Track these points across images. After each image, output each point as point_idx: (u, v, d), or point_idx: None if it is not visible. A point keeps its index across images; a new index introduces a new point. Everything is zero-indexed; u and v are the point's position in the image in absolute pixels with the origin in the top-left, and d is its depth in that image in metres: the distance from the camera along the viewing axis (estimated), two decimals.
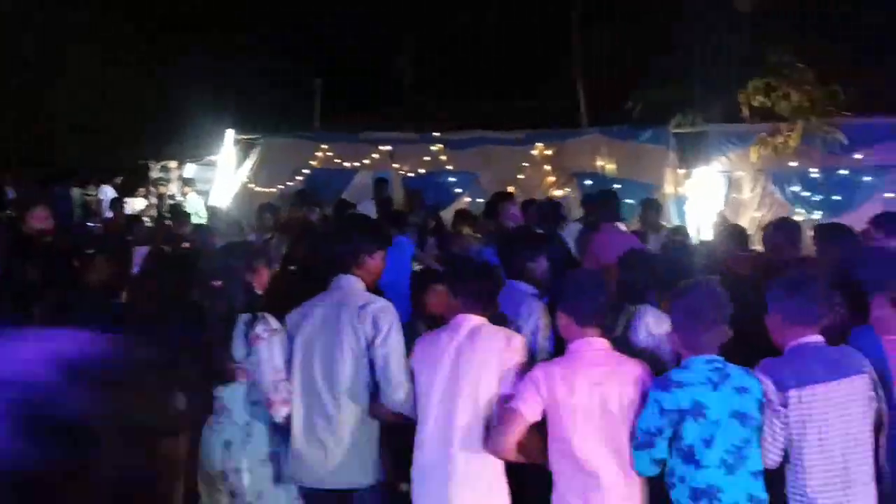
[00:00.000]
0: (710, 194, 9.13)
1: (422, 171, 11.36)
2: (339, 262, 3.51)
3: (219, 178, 12.67)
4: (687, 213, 9.23)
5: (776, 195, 8.93)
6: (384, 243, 3.73)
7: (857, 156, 8.56)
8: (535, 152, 10.50)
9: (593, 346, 3.03)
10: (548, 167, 10.38)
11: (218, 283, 3.49)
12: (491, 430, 3.06)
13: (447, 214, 9.64)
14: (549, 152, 10.40)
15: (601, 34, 11.10)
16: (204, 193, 13.28)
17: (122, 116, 14.36)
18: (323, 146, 12.12)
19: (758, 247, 6.65)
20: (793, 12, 9.44)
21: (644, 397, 2.93)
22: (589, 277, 3.23)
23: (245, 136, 12.66)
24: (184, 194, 14.01)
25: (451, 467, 3.11)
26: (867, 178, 8.53)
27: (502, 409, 3.05)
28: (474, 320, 3.25)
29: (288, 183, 11.99)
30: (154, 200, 14.61)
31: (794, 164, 8.80)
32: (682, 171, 9.48)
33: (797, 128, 8.50)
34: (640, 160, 9.67)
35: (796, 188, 8.85)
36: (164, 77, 14.85)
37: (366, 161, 11.79)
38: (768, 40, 8.90)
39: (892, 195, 8.45)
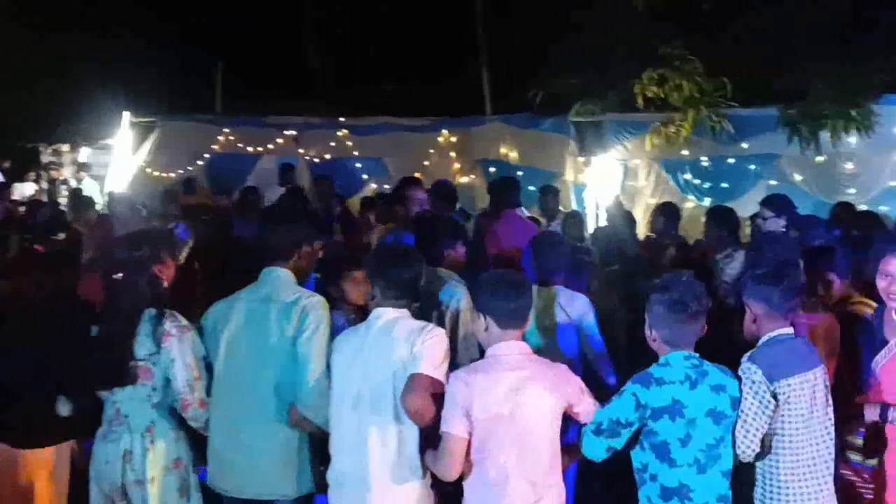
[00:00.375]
0: (608, 182, 9.45)
1: (328, 156, 11.30)
2: (270, 254, 3.29)
3: (115, 163, 12.22)
4: (586, 199, 9.54)
5: (669, 182, 9.32)
6: (320, 233, 3.59)
7: (744, 145, 9.02)
8: (441, 139, 10.61)
9: (514, 350, 2.90)
10: (454, 154, 10.51)
11: (119, 275, 3.23)
12: (433, 457, 2.87)
13: (355, 201, 9.69)
14: (454, 139, 10.52)
15: (504, 23, 11.25)
16: (100, 178, 12.80)
17: (8, 96, 13.56)
18: (225, 130, 11.87)
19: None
20: (684, 7, 9.80)
21: (563, 401, 2.89)
22: (510, 278, 3.02)
23: (142, 119, 12.24)
24: (79, 179, 13.46)
25: (369, 475, 2.92)
26: (752, 167, 9.01)
27: (437, 435, 2.85)
28: (391, 313, 3.02)
29: (188, 168, 11.71)
30: (45, 186, 13.96)
31: (685, 152, 9.20)
32: (581, 159, 9.77)
33: (688, 118, 8.86)
34: (542, 148, 9.91)
35: (688, 176, 9.25)
36: (55, 56, 14.08)
37: (270, 146, 11.63)
38: (661, 33, 9.21)
39: (775, 182, 8.97)
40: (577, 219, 7.58)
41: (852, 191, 8.62)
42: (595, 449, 2.92)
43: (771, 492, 3.01)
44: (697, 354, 2.96)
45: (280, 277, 3.25)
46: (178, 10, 14.60)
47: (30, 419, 3.41)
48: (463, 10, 11.66)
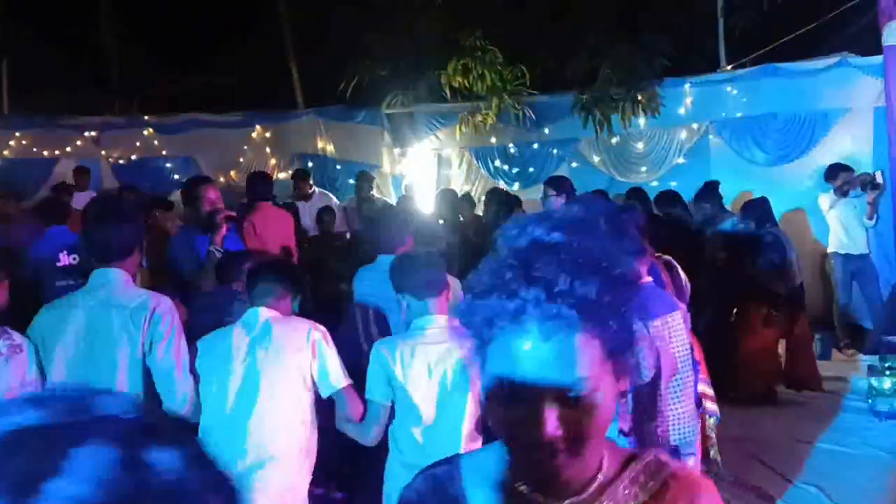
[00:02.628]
0: (424, 171, 9.57)
1: (133, 157, 10.63)
2: (100, 254, 2.97)
3: None
4: (404, 189, 9.62)
5: (480, 170, 9.59)
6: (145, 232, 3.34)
7: (546, 130, 9.43)
8: (254, 135, 10.28)
9: (433, 324, 2.94)
10: (269, 149, 10.22)
11: None
12: (356, 424, 2.95)
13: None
14: (268, 134, 10.23)
15: (311, 14, 10.99)
16: None
17: None
18: (16, 134, 10.84)
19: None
20: None
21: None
22: (419, 254, 3.15)
23: None
24: None
25: (256, 482, 2.83)
26: (555, 151, 9.45)
27: (355, 400, 2.96)
28: (267, 313, 3.03)
29: None
30: None
31: (493, 140, 9.48)
32: (397, 150, 9.82)
33: (492, 106, 9.11)
34: (357, 140, 9.87)
35: (497, 162, 9.57)
36: None
37: (68, 149, 10.76)
38: (463, 24, 9.37)
39: (576, 164, 9.46)
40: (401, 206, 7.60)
41: (644, 169, 9.27)
42: None
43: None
44: None
45: (117, 279, 2.93)
46: None
47: None
48: (269, 3, 11.26)
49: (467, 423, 2.87)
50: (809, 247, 8.64)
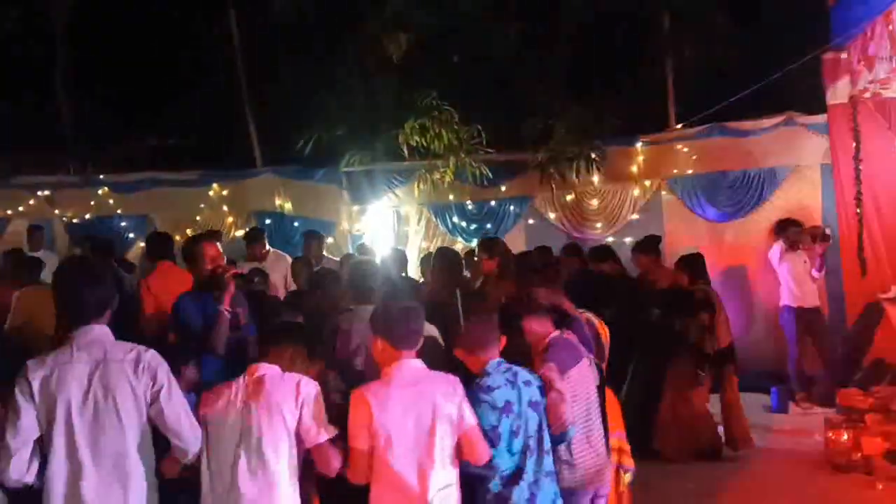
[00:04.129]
0: (382, 228, 9.47)
1: (88, 216, 10.35)
2: (83, 312, 3.00)
3: None
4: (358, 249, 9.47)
5: (439, 226, 9.51)
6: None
7: (503, 188, 9.42)
8: (212, 193, 10.08)
9: (408, 367, 3.16)
10: (226, 207, 10.03)
11: None
12: (342, 469, 3.14)
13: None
14: (225, 192, 10.04)
15: (269, 74, 10.98)
16: None
17: None
18: None
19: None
20: (435, 57, 10.09)
21: (458, 408, 3.12)
22: (402, 305, 3.33)
23: None
24: None
25: None
26: (512, 208, 9.43)
27: (337, 449, 3.13)
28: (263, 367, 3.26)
29: None
30: None
31: (451, 197, 9.44)
32: (356, 208, 9.71)
33: (450, 164, 9.10)
34: (316, 198, 9.73)
35: (455, 219, 9.50)
36: None
37: (20, 208, 10.44)
38: (418, 84, 9.41)
39: (532, 221, 9.45)
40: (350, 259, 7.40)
41: (599, 225, 9.29)
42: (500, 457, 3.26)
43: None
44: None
45: (104, 335, 3.01)
46: None
47: None
48: (225, 61, 11.21)
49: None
50: (762, 301, 8.68)
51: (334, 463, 3.14)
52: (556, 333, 3.80)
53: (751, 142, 8.78)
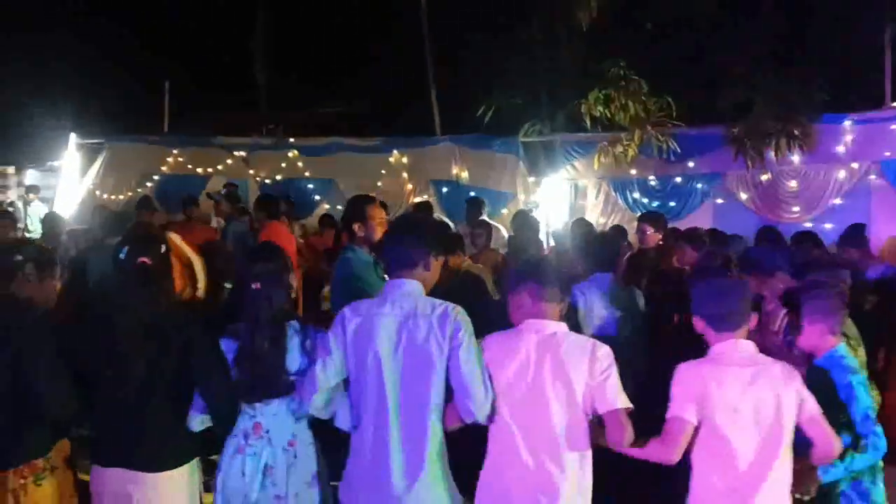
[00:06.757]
0: (558, 201, 9.10)
1: (279, 177, 10.77)
2: (397, 265, 2.98)
3: (62, 185, 11.55)
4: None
5: (618, 202, 9.01)
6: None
7: (690, 164, 8.75)
8: (392, 160, 10.14)
9: (739, 348, 2.85)
10: (406, 175, 10.06)
11: (256, 285, 3.03)
12: (655, 441, 2.81)
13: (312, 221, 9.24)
14: (405, 160, 10.07)
15: (452, 42, 10.82)
16: (48, 201, 12.07)
17: None
18: (174, 151, 11.27)
19: None
20: (627, 26, 9.51)
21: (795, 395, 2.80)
22: (722, 283, 3.02)
23: (89, 141, 11.57)
24: (27, 202, 12.65)
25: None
26: (699, 185, 8.74)
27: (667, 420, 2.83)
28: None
29: (137, 189, 11.07)
30: None
31: (633, 172, 8.90)
32: (532, 179, 9.40)
33: (634, 137, 8.56)
34: (492, 168, 9.51)
35: (636, 195, 8.94)
36: None
37: (220, 167, 11.05)
38: (605, 53, 8.91)
39: (721, 201, 8.72)
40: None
41: (796, 209, 8.42)
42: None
43: None
44: None
45: (416, 290, 2.94)
46: (125, 30, 13.84)
47: (159, 439, 2.98)
48: (411, 30, 11.19)
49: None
50: None
51: (628, 433, 2.79)
52: None
53: None
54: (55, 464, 3.04)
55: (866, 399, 3.03)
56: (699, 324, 2.92)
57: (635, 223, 8.43)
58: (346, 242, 4.27)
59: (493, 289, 5.02)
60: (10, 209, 10.63)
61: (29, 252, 3.14)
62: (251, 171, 10.80)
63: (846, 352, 3.16)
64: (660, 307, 4.57)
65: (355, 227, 4.19)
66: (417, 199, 9.66)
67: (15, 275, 3.05)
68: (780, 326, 3.87)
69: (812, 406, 2.81)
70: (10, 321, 2.93)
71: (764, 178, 8.50)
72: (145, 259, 3.00)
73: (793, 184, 8.44)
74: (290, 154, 10.61)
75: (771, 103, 8.22)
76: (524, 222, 6.29)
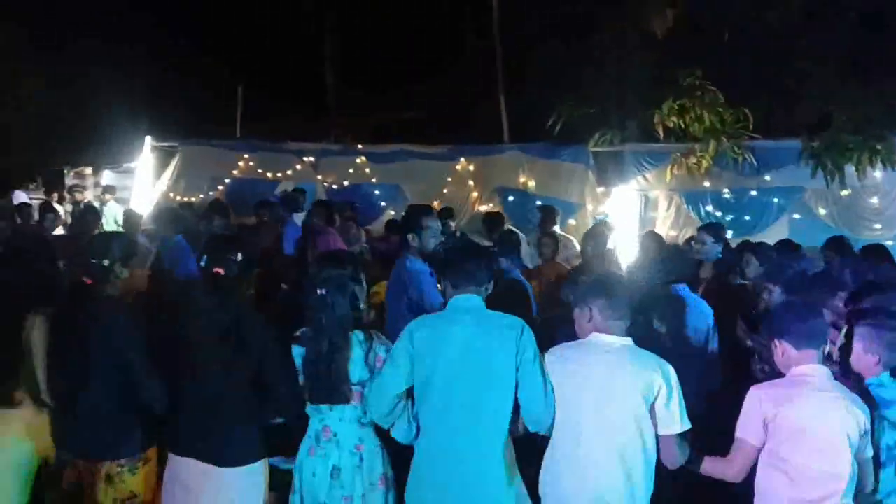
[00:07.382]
0: (627, 213, 8.95)
1: (346, 182, 10.87)
2: (464, 281, 3.10)
3: (137, 186, 11.86)
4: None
5: (690, 214, 8.80)
6: None
7: (767, 177, 8.51)
8: (458, 167, 10.13)
9: (818, 372, 2.85)
10: (472, 182, 10.04)
11: (322, 291, 3.11)
12: (720, 460, 2.89)
13: (378, 226, 9.27)
14: (472, 167, 10.04)
15: (522, 51, 10.78)
16: (123, 201, 12.44)
17: (34, 123, 13.22)
18: (245, 155, 11.47)
19: None
20: (703, 35, 9.32)
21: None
22: (802, 306, 3.05)
23: (163, 144, 11.86)
24: (103, 202, 13.07)
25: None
26: (776, 200, 8.49)
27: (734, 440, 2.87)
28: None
29: (209, 192, 11.30)
30: (69, 207, 13.56)
31: (707, 184, 8.69)
32: (601, 190, 9.27)
33: (709, 149, 8.37)
34: (560, 178, 9.40)
35: (709, 208, 8.72)
36: (77, 82, 13.74)
37: (289, 171, 11.20)
38: (681, 62, 8.75)
39: (798, 216, 8.46)
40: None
41: (878, 226, 8.11)
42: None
43: None
44: None
45: (482, 305, 3.09)
46: (200, 35, 14.23)
47: (232, 436, 3.12)
48: (482, 40, 11.19)
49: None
50: None
51: (681, 456, 2.90)
52: None
53: None
54: (149, 456, 3.22)
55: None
56: (778, 347, 2.89)
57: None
58: (402, 251, 4.48)
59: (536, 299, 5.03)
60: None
61: (114, 254, 3.30)
62: (319, 177, 10.92)
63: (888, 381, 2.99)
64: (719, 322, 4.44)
65: (409, 237, 4.39)
66: (483, 207, 9.62)
67: (108, 278, 3.25)
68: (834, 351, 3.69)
69: (867, 448, 2.80)
70: (111, 323, 3.13)
71: (844, 193, 8.22)
72: (220, 269, 3.16)
73: (874, 200, 8.14)
74: (357, 160, 10.70)
75: (851, 117, 7.95)
76: (600, 235, 6.18)
